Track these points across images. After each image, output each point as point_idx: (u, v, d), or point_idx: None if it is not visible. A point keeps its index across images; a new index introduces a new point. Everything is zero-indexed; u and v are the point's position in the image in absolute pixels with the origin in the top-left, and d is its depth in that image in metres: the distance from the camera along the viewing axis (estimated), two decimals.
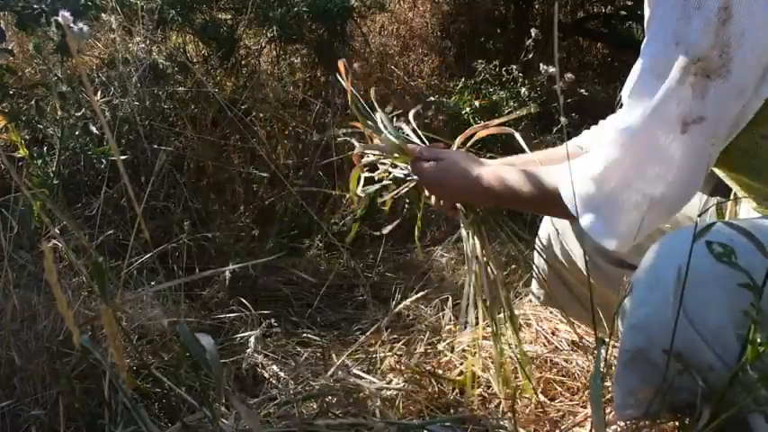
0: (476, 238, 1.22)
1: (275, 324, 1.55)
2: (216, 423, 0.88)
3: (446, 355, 1.44)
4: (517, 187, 1.08)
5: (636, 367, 0.82)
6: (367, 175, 1.37)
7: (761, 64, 0.83)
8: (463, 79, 2.77)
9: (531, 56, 2.56)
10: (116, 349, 0.75)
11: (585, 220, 0.97)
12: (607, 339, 1.03)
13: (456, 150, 1.28)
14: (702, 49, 0.83)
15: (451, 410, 1.26)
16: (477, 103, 2.57)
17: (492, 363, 1.35)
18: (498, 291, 1.22)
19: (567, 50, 3.81)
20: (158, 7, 2.19)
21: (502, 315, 1.23)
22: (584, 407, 1.26)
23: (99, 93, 1.91)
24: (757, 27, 0.81)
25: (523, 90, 2.61)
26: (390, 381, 1.34)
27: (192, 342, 0.76)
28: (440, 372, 1.37)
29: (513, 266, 1.82)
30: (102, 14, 1.99)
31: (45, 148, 1.68)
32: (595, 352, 1.38)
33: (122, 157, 1.78)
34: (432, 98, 2.68)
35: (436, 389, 1.31)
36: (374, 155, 1.32)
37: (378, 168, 1.34)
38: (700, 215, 0.92)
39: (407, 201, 1.85)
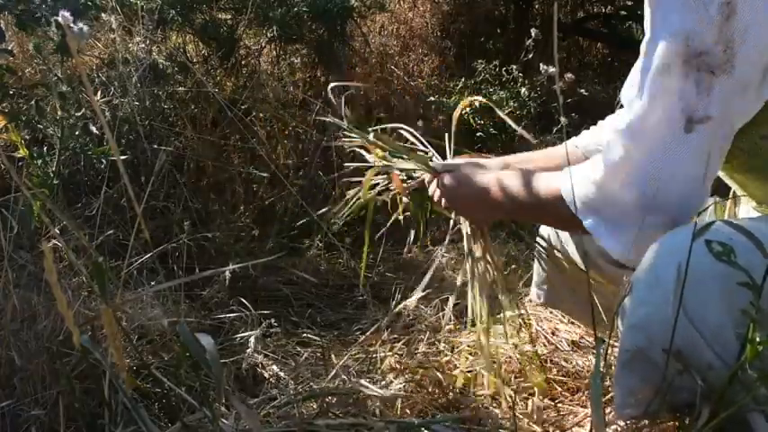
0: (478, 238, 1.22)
1: (275, 324, 1.55)
2: (216, 423, 0.88)
3: (446, 355, 1.44)
4: (518, 195, 1.06)
5: (635, 367, 0.81)
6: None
7: (762, 61, 0.83)
8: (463, 79, 2.77)
9: (531, 56, 2.56)
10: (116, 349, 0.75)
11: (588, 224, 0.95)
12: (607, 339, 1.03)
13: (463, 162, 1.29)
14: (706, 44, 0.81)
15: (452, 410, 1.26)
16: (477, 103, 2.57)
17: (493, 363, 1.35)
18: (499, 291, 1.22)
19: (567, 50, 3.82)
20: (158, 7, 2.19)
21: (502, 315, 1.23)
22: (585, 407, 1.26)
23: (99, 93, 1.91)
24: (760, 23, 0.80)
25: (523, 90, 2.61)
26: (391, 381, 1.34)
27: (192, 342, 0.76)
28: (440, 372, 1.37)
29: (513, 266, 1.82)
30: (102, 14, 1.99)
31: (45, 148, 1.68)
32: (595, 352, 1.38)
33: (122, 157, 1.78)
34: (432, 98, 2.68)
35: (436, 389, 1.31)
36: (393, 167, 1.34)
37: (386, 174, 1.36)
38: (698, 214, 0.90)
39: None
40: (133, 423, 1.04)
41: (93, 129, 1.79)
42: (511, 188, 1.08)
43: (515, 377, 1.36)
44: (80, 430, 1.10)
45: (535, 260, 1.46)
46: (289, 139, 2.40)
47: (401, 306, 1.52)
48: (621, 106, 0.94)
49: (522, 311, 1.59)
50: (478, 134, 2.54)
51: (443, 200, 1.22)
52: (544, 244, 1.42)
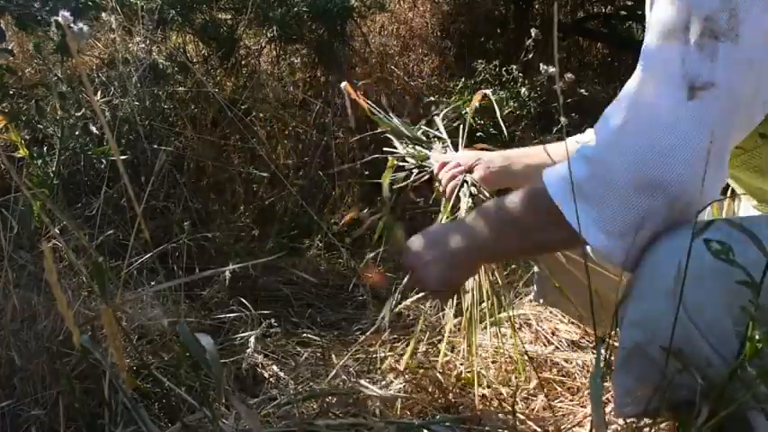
0: None
1: (275, 324, 1.55)
2: (216, 423, 0.88)
3: (446, 355, 1.44)
4: (505, 219, 0.93)
5: (632, 366, 0.81)
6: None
7: (766, 41, 0.78)
8: (463, 79, 2.77)
9: (531, 56, 2.56)
10: (116, 349, 0.75)
11: (569, 211, 0.82)
12: (607, 339, 1.03)
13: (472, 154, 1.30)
14: (710, 9, 0.77)
15: (451, 411, 1.26)
16: (477, 103, 2.57)
17: (492, 363, 1.35)
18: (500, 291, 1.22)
19: (567, 50, 3.81)
20: (158, 7, 2.19)
21: (502, 315, 1.23)
22: (584, 407, 1.26)
23: (99, 93, 1.91)
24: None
25: (523, 90, 2.61)
26: (391, 381, 1.34)
27: (192, 342, 0.76)
28: (440, 372, 1.37)
29: (513, 266, 1.82)
30: (102, 14, 1.99)
31: (45, 148, 1.68)
32: (595, 352, 1.38)
33: (122, 157, 1.78)
34: (432, 98, 2.68)
35: (436, 389, 1.31)
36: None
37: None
38: (698, 213, 0.87)
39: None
40: (133, 423, 1.04)
41: (93, 129, 1.79)
42: (484, 224, 0.95)
43: (515, 377, 1.36)
44: (80, 430, 1.10)
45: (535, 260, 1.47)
46: (289, 139, 2.40)
47: (401, 306, 1.52)
48: None
49: (523, 311, 1.59)
50: (478, 134, 2.54)
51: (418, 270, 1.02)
52: None
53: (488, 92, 1.53)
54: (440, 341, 1.51)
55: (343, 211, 2.21)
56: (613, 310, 0.86)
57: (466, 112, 2.52)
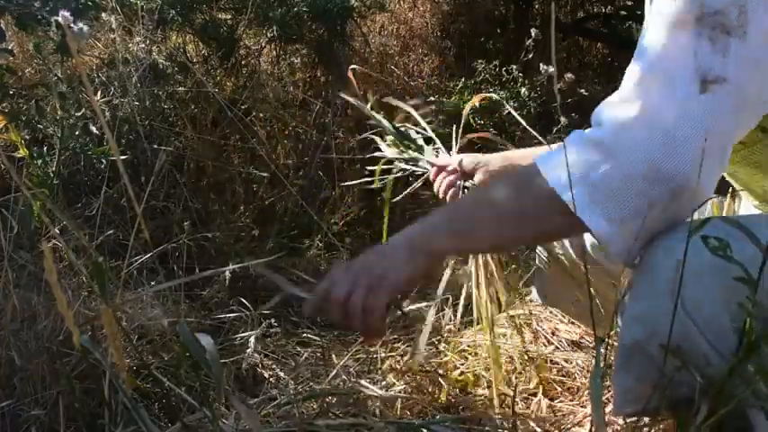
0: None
1: (275, 324, 1.55)
2: (216, 423, 0.88)
3: (446, 355, 1.44)
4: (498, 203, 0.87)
5: (632, 365, 0.81)
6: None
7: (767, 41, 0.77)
8: (463, 79, 2.77)
9: (531, 56, 2.56)
10: (116, 349, 0.75)
11: (583, 199, 0.79)
12: (607, 339, 1.03)
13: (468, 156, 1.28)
14: (722, 2, 0.76)
15: (452, 411, 1.26)
16: (477, 103, 2.57)
17: (492, 363, 1.35)
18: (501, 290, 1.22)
19: (566, 50, 3.81)
20: (158, 7, 2.19)
21: (502, 315, 1.23)
22: (584, 407, 1.26)
23: (99, 93, 1.91)
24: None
25: (523, 90, 2.61)
26: (391, 381, 1.34)
27: (192, 342, 0.76)
28: (440, 372, 1.37)
29: (514, 266, 1.82)
30: (102, 14, 1.99)
31: (45, 148, 1.68)
32: (595, 352, 1.38)
33: (122, 157, 1.78)
34: (432, 98, 2.68)
35: (436, 389, 1.31)
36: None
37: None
38: (696, 209, 0.86)
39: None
40: (133, 423, 1.04)
41: (93, 129, 1.79)
42: (493, 211, 0.87)
43: (516, 377, 1.36)
44: (80, 430, 1.10)
45: (536, 259, 1.46)
46: (289, 139, 2.40)
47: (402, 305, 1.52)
48: None
49: (523, 311, 1.59)
50: (478, 134, 2.54)
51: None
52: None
53: (493, 95, 1.53)
54: (440, 341, 1.51)
55: (344, 212, 2.21)
56: (613, 310, 0.86)
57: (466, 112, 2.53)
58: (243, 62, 2.44)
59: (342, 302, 0.84)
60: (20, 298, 1.19)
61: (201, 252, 1.85)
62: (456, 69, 3.10)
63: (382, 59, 2.89)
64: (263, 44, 2.51)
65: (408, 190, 1.42)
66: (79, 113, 1.76)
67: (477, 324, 1.34)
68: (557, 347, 1.49)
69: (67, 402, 1.09)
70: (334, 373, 1.35)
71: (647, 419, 0.85)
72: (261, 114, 2.34)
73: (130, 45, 2.11)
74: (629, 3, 3.66)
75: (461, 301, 1.67)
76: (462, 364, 1.41)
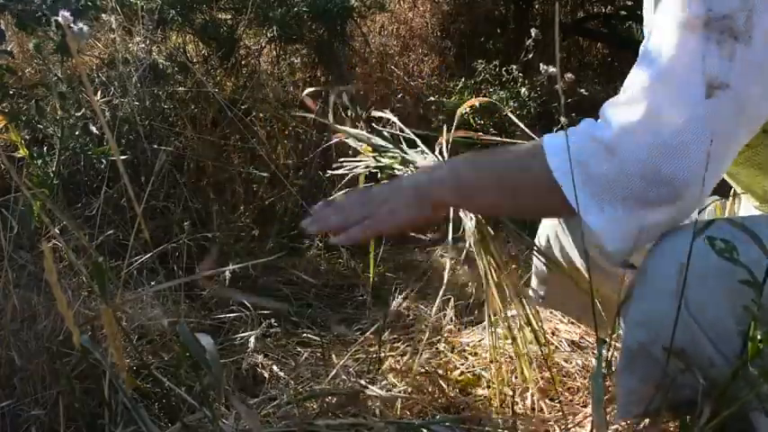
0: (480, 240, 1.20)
1: (275, 324, 1.55)
2: (216, 423, 0.88)
3: (446, 355, 1.44)
4: (498, 173, 0.91)
5: (636, 367, 0.81)
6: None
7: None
8: (463, 79, 2.77)
9: (531, 56, 2.56)
10: (116, 349, 0.75)
11: (584, 195, 0.81)
12: (608, 339, 1.03)
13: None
14: (729, 8, 0.76)
15: (452, 411, 1.26)
16: (477, 103, 2.57)
17: (492, 363, 1.35)
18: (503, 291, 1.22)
19: (567, 50, 3.82)
20: (158, 7, 2.19)
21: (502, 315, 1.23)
22: (585, 407, 1.26)
23: (99, 93, 1.91)
24: None
25: (523, 90, 2.61)
26: (391, 381, 1.34)
27: (192, 342, 0.76)
28: (440, 372, 1.37)
29: (514, 266, 1.82)
30: (102, 14, 1.99)
31: (45, 148, 1.68)
32: (595, 352, 1.38)
33: (122, 157, 1.78)
34: (432, 98, 2.68)
35: (436, 389, 1.31)
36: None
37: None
38: (699, 212, 0.87)
39: None
40: (133, 423, 1.04)
41: (93, 129, 1.79)
42: (482, 163, 0.93)
43: (516, 377, 1.36)
44: (80, 430, 1.10)
45: (534, 261, 1.46)
46: (289, 139, 2.40)
47: (401, 306, 1.52)
48: None
49: (523, 311, 1.59)
50: (479, 134, 2.54)
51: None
52: (543, 245, 1.41)
53: (484, 99, 1.51)
54: (439, 341, 1.51)
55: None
56: (615, 312, 0.86)
57: (466, 113, 2.53)
58: (243, 62, 2.44)
59: (346, 211, 0.94)
60: (20, 298, 1.19)
61: (201, 252, 1.85)
62: (456, 69, 3.10)
63: (382, 59, 2.89)
64: (263, 44, 2.51)
65: None
66: (79, 113, 1.76)
67: (479, 324, 1.34)
68: (557, 347, 1.49)
69: (67, 402, 1.09)
70: (334, 373, 1.35)
71: (647, 421, 0.85)
72: (261, 114, 2.34)
73: (130, 45, 2.10)
74: (629, 3, 3.66)
75: (462, 302, 1.68)
76: (462, 364, 1.41)
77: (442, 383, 1.31)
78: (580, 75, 3.41)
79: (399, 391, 1.28)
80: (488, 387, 1.30)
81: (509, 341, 1.24)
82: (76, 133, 1.73)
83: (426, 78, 3.02)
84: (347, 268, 2.04)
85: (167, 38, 2.38)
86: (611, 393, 1.12)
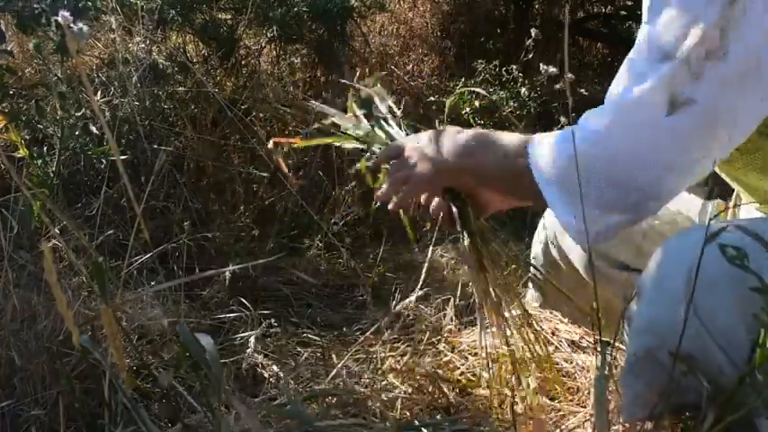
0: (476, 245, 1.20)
1: (275, 324, 1.55)
2: (216, 423, 0.88)
3: (446, 356, 1.44)
4: (484, 157, 1.01)
5: (642, 371, 0.81)
6: None
7: (758, 49, 0.80)
8: (463, 79, 2.77)
9: (531, 56, 2.56)
10: (116, 349, 0.75)
11: (549, 195, 0.91)
12: (609, 340, 1.03)
13: None
14: (706, 27, 0.79)
15: (452, 411, 1.25)
16: (477, 103, 2.57)
17: (492, 363, 1.35)
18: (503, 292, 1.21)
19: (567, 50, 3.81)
20: (158, 7, 2.19)
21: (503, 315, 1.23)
22: (584, 407, 1.26)
23: (99, 93, 1.91)
24: (758, 10, 0.79)
25: (523, 90, 2.61)
26: (391, 381, 1.34)
27: (192, 342, 0.76)
28: (440, 372, 1.37)
29: (514, 266, 1.82)
30: (102, 14, 1.99)
31: (45, 148, 1.68)
32: (595, 352, 1.38)
33: (122, 157, 1.78)
34: (432, 98, 2.68)
35: (436, 389, 1.31)
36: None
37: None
38: (711, 219, 0.89)
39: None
40: (133, 423, 1.04)
41: (93, 129, 1.79)
42: (474, 150, 1.02)
43: (516, 377, 1.35)
44: (80, 430, 1.10)
45: (532, 262, 1.46)
46: (289, 138, 2.39)
47: (401, 306, 1.52)
48: None
49: (522, 311, 1.59)
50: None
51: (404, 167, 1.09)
52: (542, 246, 1.42)
53: (477, 90, 1.50)
54: (439, 341, 1.51)
55: (343, 212, 2.21)
56: (618, 315, 0.86)
57: (466, 112, 2.53)
58: (243, 62, 2.44)
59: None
60: (20, 298, 1.19)
61: (201, 252, 1.85)
62: (456, 69, 3.10)
63: (382, 59, 2.89)
64: (263, 44, 2.51)
65: None
66: (79, 113, 1.76)
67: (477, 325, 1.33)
68: (557, 347, 1.49)
69: (67, 402, 1.09)
70: (334, 373, 1.35)
71: (649, 424, 0.84)
72: (261, 114, 2.34)
73: (130, 45, 2.10)
74: (629, 3, 3.66)
75: (462, 302, 1.67)
76: (462, 364, 1.41)
77: (442, 384, 1.31)
78: (580, 75, 3.40)
79: (399, 392, 1.28)
80: (488, 387, 1.30)
81: (509, 341, 1.24)
82: (76, 133, 1.73)
83: (426, 78, 3.02)
84: (347, 268, 2.04)
85: (167, 38, 2.38)
86: (610, 394, 1.12)
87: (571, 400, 1.29)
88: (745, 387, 0.70)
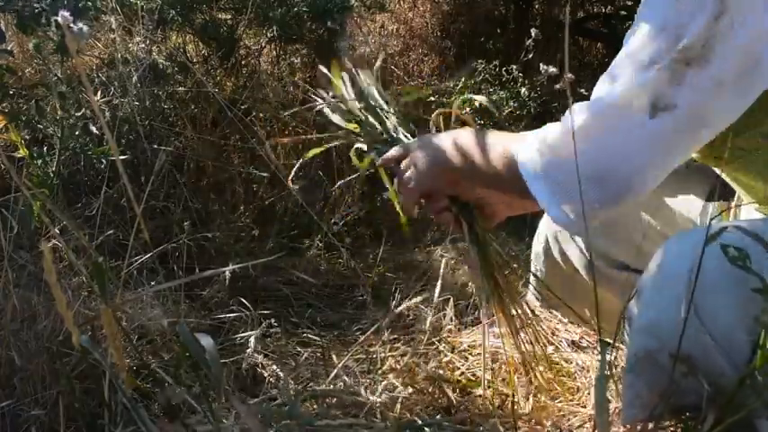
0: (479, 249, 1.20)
1: (275, 324, 1.55)
2: (216, 423, 0.88)
3: (446, 356, 1.44)
4: (475, 157, 1.05)
5: (643, 371, 0.81)
6: None
7: (741, 62, 0.83)
8: (463, 79, 2.77)
9: (531, 56, 2.56)
10: (116, 349, 0.75)
11: (535, 189, 0.96)
12: (613, 341, 1.03)
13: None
14: (689, 39, 0.83)
15: (452, 411, 1.25)
16: (477, 103, 2.56)
17: (492, 363, 1.35)
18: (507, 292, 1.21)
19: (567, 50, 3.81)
20: (158, 7, 2.19)
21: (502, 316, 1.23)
22: (585, 407, 1.26)
23: (99, 93, 1.91)
24: (745, 24, 0.81)
25: (523, 90, 2.61)
26: (391, 382, 1.34)
27: (192, 342, 0.76)
28: (440, 372, 1.37)
29: (514, 266, 1.82)
30: (102, 14, 1.99)
31: (45, 148, 1.67)
32: (595, 352, 1.38)
33: (122, 157, 1.78)
34: (432, 98, 2.68)
35: (436, 389, 1.31)
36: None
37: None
38: (713, 219, 0.90)
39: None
40: (133, 423, 1.04)
41: (93, 129, 1.78)
42: (477, 151, 1.06)
43: (517, 377, 1.36)
44: (80, 430, 1.10)
45: (533, 261, 1.47)
46: (289, 138, 2.39)
47: (402, 307, 1.52)
48: None
49: (522, 310, 1.59)
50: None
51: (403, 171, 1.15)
52: (542, 247, 1.42)
53: (478, 98, 1.50)
54: (440, 341, 1.51)
55: (343, 212, 2.21)
56: (618, 316, 0.86)
57: (466, 112, 2.53)
58: (243, 62, 2.43)
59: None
60: (20, 298, 1.19)
61: (201, 252, 1.85)
62: (456, 69, 3.10)
63: (382, 59, 2.89)
64: (263, 44, 2.50)
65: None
66: (79, 113, 1.75)
67: (479, 324, 1.33)
68: (557, 347, 1.49)
69: (67, 402, 1.09)
70: (334, 373, 1.35)
71: (651, 425, 0.84)
72: (261, 114, 2.34)
73: (130, 45, 2.10)
74: (629, 2, 3.66)
75: (462, 302, 1.67)
76: (462, 365, 1.41)
77: (443, 384, 1.31)
78: (580, 75, 3.40)
79: (399, 392, 1.28)
80: (488, 387, 1.30)
81: (516, 341, 1.24)
82: (76, 133, 1.73)
83: (426, 78, 3.02)
84: (347, 268, 2.04)
85: (167, 38, 2.38)
86: (609, 394, 1.12)
87: (571, 401, 1.29)
88: (745, 388, 0.70)
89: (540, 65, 2.29)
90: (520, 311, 1.22)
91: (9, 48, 1.76)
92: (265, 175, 2.12)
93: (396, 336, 1.57)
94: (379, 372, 1.38)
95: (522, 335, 1.23)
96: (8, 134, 1.50)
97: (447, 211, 1.17)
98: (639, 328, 0.82)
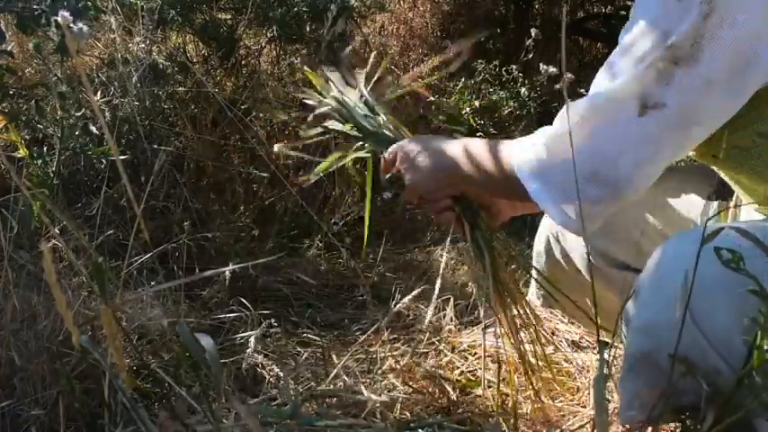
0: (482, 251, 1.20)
1: (275, 324, 1.55)
2: (216, 423, 0.88)
3: (446, 356, 1.44)
4: (484, 164, 1.06)
5: (641, 371, 0.81)
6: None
7: (731, 61, 0.84)
8: (463, 79, 2.77)
9: (531, 56, 2.56)
10: (116, 349, 0.75)
11: (532, 190, 0.97)
12: (609, 341, 1.03)
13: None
14: (677, 38, 0.84)
15: (452, 411, 1.25)
16: (477, 103, 2.57)
17: (492, 363, 1.35)
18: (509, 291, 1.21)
19: (567, 50, 3.81)
20: (158, 7, 2.19)
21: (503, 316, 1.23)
22: (585, 407, 1.26)
23: (99, 93, 1.91)
24: (734, 24, 0.82)
25: (523, 90, 2.61)
26: (391, 382, 1.34)
27: (192, 342, 0.76)
28: (440, 372, 1.37)
29: (514, 266, 1.82)
30: (102, 14, 1.99)
31: (45, 148, 1.67)
32: (595, 352, 1.38)
33: (122, 157, 1.78)
34: (432, 98, 2.68)
35: (437, 390, 1.31)
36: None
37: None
38: (710, 219, 0.91)
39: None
40: (133, 423, 1.04)
41: (93, 129, 1.78)
42: (477, 156, 1.08)
43: (517, 377, 1.36)
44: (80, 430, 1.10)
45: (534, 261, 1.46)
46: (289, 139, 2.39)
47: (400, 305, 1.52)
48: None
49: (523, 310, 1.59)
50: (478, 134, 2.54)
51: (404, 171, 1.16)
52: (543, 246, 1.42)
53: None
54: (440, 341, 1.51)
55: (344, 212, 2.21)
56: (616, 316, 0.86)
57: (466, 112, 2.53)
58: (243, 62, 2.43)
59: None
60: (20, 298, 1.19)
61: (201, 252, 1.85)
62: (456, 69, 3.09)
63: (382, 59, 2.89)
64: (263, 44, 2.50)
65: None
66: (79, 113, 1.75)
67: (479, 324, 1.34)
68: (557, 347, 1.49)
69: (67, 402, 1.09)
70: (334, 373, 1.35)
71: (650, 426, 0.84)
72: (261, 114, 2.34)
73: (130, 45, 2.10)
74: (629, 2, 3.66)
75: (462, 302, 1.67)
76: (462, 364, 1.41)
77: (443, 384, 1.31)
78: (580, 75, 3.40)
79: (399, 392, 1.28)
80: (489, 387, 1.30)
81: (518, 341, 1.24)
82: (76, 133, 1.73)
83: (426, 78, 3.01)
84: (347, 268, 2.04)
85: (167, 38, 2.38)
86: (609, 394, 1.12)
87: (571, 401, 1.29)
88: (743, 389, 0.70)
89: (540, 65, 2.29)
90: (521, 311, 1.22)
91: (9, 48, 1.76)
92: (265, 175, 2.12)
93: (395, 336, 1.57)
94: (379, 372, 1.38)
95: (522, 335, 1.23)
96: (8, 134, 1.50)
97: (448, 211, 1.17)
98: (637, 328, 0.82)
